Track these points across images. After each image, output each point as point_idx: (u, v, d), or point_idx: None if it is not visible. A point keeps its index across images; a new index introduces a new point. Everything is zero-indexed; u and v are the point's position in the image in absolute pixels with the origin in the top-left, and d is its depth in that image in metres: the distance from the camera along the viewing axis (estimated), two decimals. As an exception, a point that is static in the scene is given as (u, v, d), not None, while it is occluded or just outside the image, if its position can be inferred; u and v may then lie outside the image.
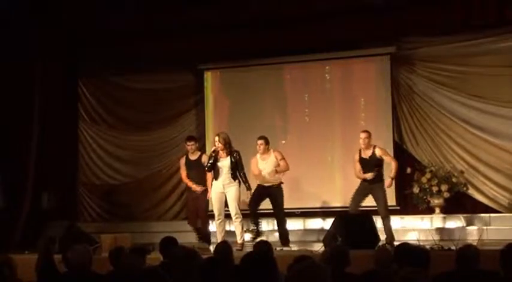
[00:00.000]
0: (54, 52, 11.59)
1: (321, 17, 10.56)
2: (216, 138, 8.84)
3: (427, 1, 10.39)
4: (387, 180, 9.00)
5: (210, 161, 8.83)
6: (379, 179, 8.92)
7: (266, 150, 9.20)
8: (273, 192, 9.11)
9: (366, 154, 9.01)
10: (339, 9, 10.43)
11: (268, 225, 10.34)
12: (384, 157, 9.00)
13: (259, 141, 9.19)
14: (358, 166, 9.10)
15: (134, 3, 10.70)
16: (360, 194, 9.00)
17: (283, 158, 9.23)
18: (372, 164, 8.94)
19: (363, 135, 9.03)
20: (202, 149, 11.13)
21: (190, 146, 9.56)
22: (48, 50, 11.47)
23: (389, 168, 9.11)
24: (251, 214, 9.17)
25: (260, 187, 9.16)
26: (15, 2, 10.57)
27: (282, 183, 9.20)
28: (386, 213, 8.88)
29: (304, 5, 10.44)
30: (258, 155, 9.24)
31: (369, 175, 8.88)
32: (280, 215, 9.18)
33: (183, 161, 9.68)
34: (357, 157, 9.11)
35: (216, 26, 10.92)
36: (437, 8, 10.28)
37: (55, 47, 11.55)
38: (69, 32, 11.43)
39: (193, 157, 9.54)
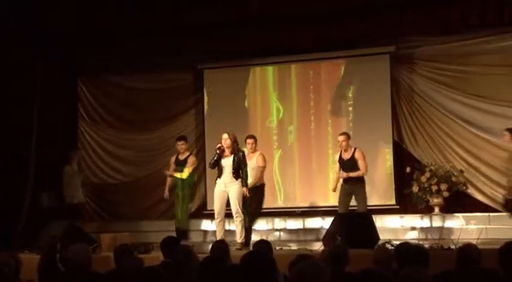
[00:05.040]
0: (54, 52, 11.59)
1: (321, 16, 10.55)
2: (226, 136, 8.80)
3: (427, 0, 10.39)
4: (343, 173, 9.13)
5: (214, 158, 8.83)
6: (358, 180, 9.12)
7: (255, 150, 9.24)
8: (252, 192, 9.01)
9: (346, 156, 9.26)
10: (339, 8, 10.42)
11: (267, 225, 10.36)
12: (359, 161, 9.16)
13: (250, 140, 9.29)
14: (337, 166, 9.40)
15: (134, 3, 10.69)
16: (345, 195, 9.23)
17: (263, 157, 9.30)
18: (350, 165, 9.15)
19: (340, 138, 9.30)
20: (201, 148, 11.17)
21: (180, 145, 9.82)
22: (48, 50, 11.46)
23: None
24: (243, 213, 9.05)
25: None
26: (15, 3, 10.55)
27: (263, 184, 9.22)
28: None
29: (304, 4, 10.43)
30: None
31: (343, 175, 9.13)
32: (252, 215, 9.11)
33: (173, 159, 9.95)
34: (337, 157, 9.42)
35: (216, 26, 10.92)
36: (437, 8, 10.28)
37: (55, 46, 11.54)
38: (69, 32, 11.42)
39: (182, 157, 9.78)
